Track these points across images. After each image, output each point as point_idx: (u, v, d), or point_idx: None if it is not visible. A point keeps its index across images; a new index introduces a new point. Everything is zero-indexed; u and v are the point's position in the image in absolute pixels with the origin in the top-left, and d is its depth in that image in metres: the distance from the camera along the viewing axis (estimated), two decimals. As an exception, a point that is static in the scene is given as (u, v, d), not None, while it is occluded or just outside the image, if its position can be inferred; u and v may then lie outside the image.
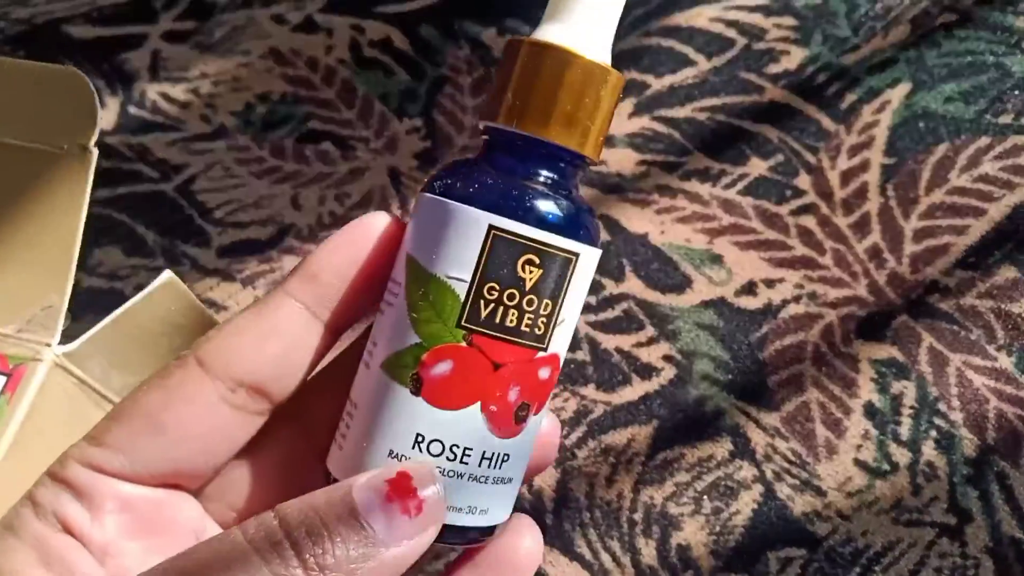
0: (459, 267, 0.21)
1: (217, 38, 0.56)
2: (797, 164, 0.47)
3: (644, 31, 0.52)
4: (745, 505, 0.39)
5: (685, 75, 0.51)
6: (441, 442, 0.21)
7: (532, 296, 0.21)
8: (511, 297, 0.21)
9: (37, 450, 0.36)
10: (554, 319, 0.21)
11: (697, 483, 0.40)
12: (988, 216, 0.44)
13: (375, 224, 0.22)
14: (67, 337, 0.37)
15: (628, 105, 0.50)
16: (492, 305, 0.21)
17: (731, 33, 0.52)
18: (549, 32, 0.22)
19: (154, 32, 0.56)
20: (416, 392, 0.21)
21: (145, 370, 0.41)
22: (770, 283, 0.44)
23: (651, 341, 0.43)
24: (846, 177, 0.47)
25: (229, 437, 0.21)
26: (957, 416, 0.40)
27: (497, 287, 0.21)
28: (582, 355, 0.43)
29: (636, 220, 0.47)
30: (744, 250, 0.45)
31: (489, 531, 0.22)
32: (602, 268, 0.45)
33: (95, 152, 0.35)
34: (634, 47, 0.52)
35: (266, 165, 0.50)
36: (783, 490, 0.39)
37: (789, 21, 0.52)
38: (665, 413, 0.42)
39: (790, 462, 0.40)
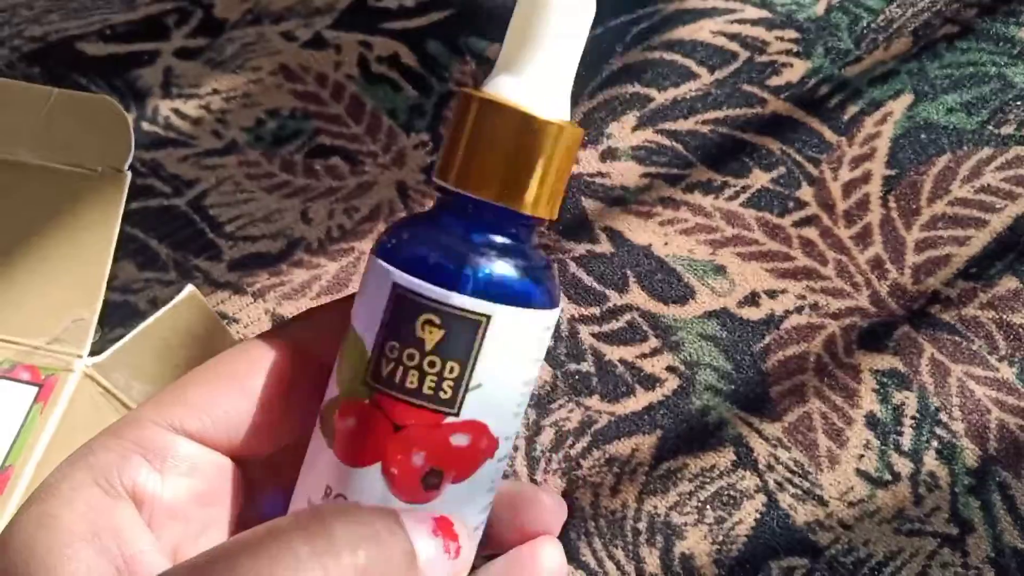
0: (368, 322, 0.21)
1: (228, 55, 0.57)
2: (799, 176, 0.48)
3: (647, 45, 0.53)
4: (748, 515, 0.40)
5: (688, 88, 0.51)
6: (344, 497, 0.20)
7: (433, 357, 0.20)
8: (411, 357, 0.20)
9: (67, 459, 0.37)
10: (464, 383, 0.20)
11: (700, 493, 0.40)
12: (990, 227, 0.45)
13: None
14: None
15: (631, 118, 0.51)
16: (392, 364, 0.20)
17: (733, 46, 0.52)
18: (502, 85, 0.20)
19: (166, 49, 0.57)
20: (330, 444, 0.21)
21: (163, 380, 0.42)
22: (772, 294, 0.45)
23: (655, 352, 0.44)
24: (848, 188, 0.47)
25: (304, 411, 0.22)
26: (959, 426, 0.40)
27: (397, 345, 0.20)
28: (587, 366, 0.44)
29: (640, 232, 0.47)
30: (747, 261, 0.46)
31: None
32: (606, 280, 0.46)
33: (128, 174, 0.36)
34: (637, 61, 0.53)
35: (276, 180, 0.51)
36: (785, 500, 0.40)
37: (791, 34, 0.52)
38: (669, 423, 0.42)
39: (792, 472, 0.40)
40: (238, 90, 0.55)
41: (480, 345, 0.20)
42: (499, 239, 0.21)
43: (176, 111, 0.55)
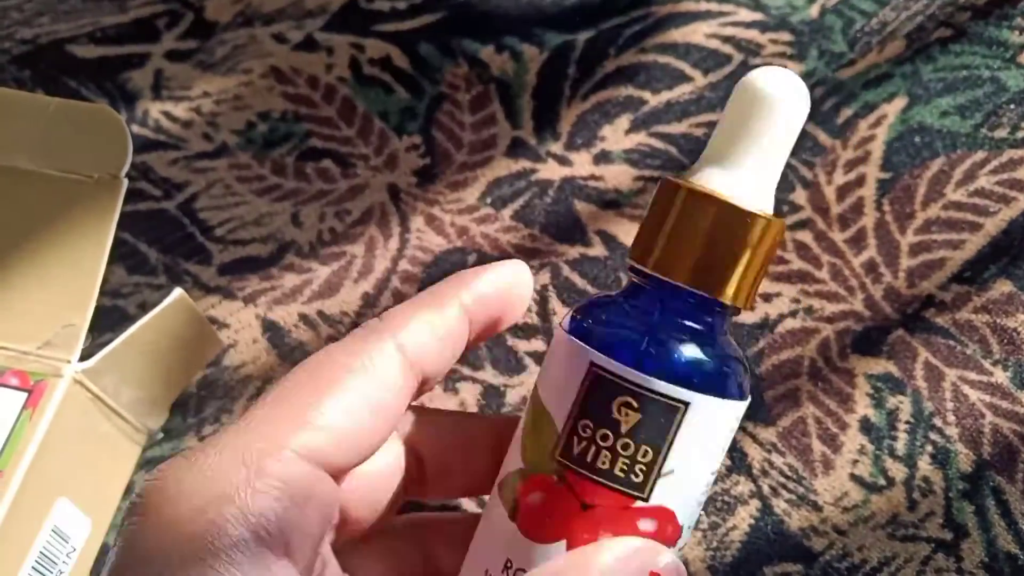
0: (560, 399, 0.21)
1: (218, 57, 0.56)
2: (793, 179, 0.47)
3: (640, 48, 0.53)
4: (742, 520, 0.39)
5: (682, 91, 0.51)
6: (524, 572, 0.20)
7: (627, 440, 0.20)
8: (604, 438, 0.20)
9: (56, 465, 0.37)
10: (656, 468, 0.20)
11: (694, 498, 0.40)
12: (984, 230, 0.45)
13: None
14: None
15: (625, 121, 0.50)
16: (585, 443, 0.20)
17: (727, 49, 0.52)
18: (712, 177, 0.20)
19: (156, 51, 0.57)
20: (512, 517, 0.21)
21: (151, 384, 0.42)
22: (767, 298, 0.45)
23: (648, 356, 0.44)
24: (842, 192, 0.47)
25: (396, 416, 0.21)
26: (953, 431, 0.40)
27: (591, 425, 0.20)
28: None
29: (633, 235, 0.47)
30: (741, 265, 0.46)
31: None
32: (600, 283, 0.46)
33: (125, 181, 0.37)
34: (630, 63, 0.52)
35: (267, 183, 0.51)
36: (780, 505, 0.39)
37: (785, 36, 0.52)
38: (662, 428, 0.42)
39: (787, 477, 0.40)
40: (229, 92, 0.55)
41: (676, 432, 0.20)
42: (697, 327, 0.21)
43: (166, 114, 0.54)
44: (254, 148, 0.52)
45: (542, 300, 0.45)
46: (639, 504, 0.20)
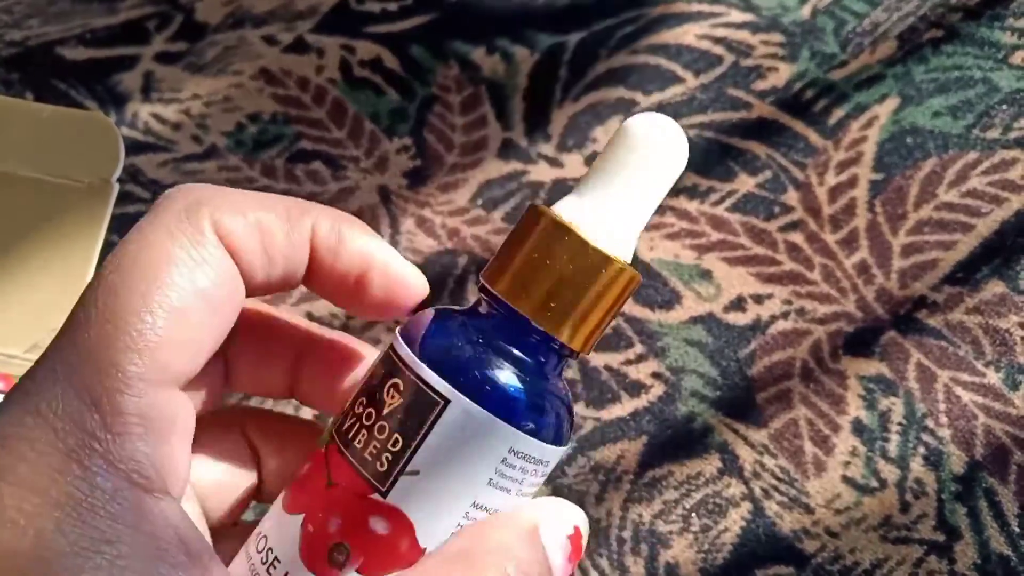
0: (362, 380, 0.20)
1: (209, 59, 0.56)
2: (785, 180, 0.47)
3: (632, 49, 0.53)
4: (734, 522, 0.39)
5: (673, 92, 0.51)
6: (266, 538, 0.19)
7: (384, 423, 0.18)
8: (368, 416, 0.19)
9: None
10: (401, 462, 0.18)
11: (686, 500, 0.40)
12: (976, 231, 0.44)
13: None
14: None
15: (616, 123, 0.50)
16: (353, 419, 0.19)
17: (719, 50, 0.52)
18: (574, 208, 0.19)
19: (146, 53, 0.57)
20: (287, 490, 0.20)
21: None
22: (759, 299, 0.44)
23: (640, 358, 0.43)
24: (834, 193, 0.47)
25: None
26: (945, 432, 0.40)
27: (364, 402, 0.19)
28: (571, 373, 0.43)
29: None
30: (733, 266, 0.45)
31: None
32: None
33: (116, 186, 0.37)
34: (622, 65, 0.52)
35: (257, 185, 0.51)
36: (771, 507, 0.39)
37: (777, 38, 0.52)
38: (654, 429, 0.42)
39: (778, 479, 0.40)
40: (219, 94, 0.54)
41: (430, 429, 0.18)
42: (518, 352, 0.19)
43: (156, 116, 0.54)
44: (244, 150, 0.52)
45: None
46: (375, 497, 0.18)
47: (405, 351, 0.19)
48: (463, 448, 0.18)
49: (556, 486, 0.41)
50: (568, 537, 0.19)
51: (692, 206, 0.47)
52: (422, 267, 0.49)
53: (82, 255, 0.38)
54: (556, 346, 0.19)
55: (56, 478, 0.15)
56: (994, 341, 0.41)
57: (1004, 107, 0.48)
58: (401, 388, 0.18)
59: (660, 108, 0.51)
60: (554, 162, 0.50)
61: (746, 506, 0.39)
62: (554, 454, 0.19)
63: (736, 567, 0.38)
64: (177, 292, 0.17)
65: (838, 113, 0.49)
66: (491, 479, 0.19)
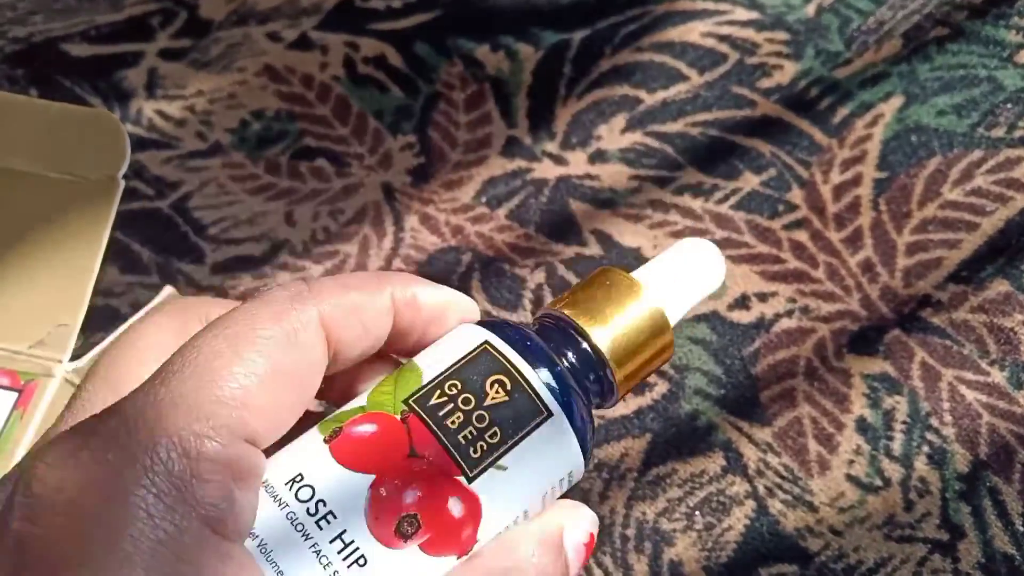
0: (435, 361, 0.21)
1: (213, 56, 0.56)
2: (789, 178, 0.47)
3: (636, 46, 0.53)
4: (737, 521, 0.39)
5: (678, 90, 0.51)
6: (313, 489, 0.19)
7: (485, 413, 0.19)
8: (466, 401, 0.20)
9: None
10: (494, 454, 0.19)
11: (689, 499, 0.40)
12: (981, 230, 0.44)
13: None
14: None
15: (621, 120, 0.50)
16: (445, 399, 0.20)
17: (723, 48, 0.52)
18: (640, 275, 0.23)
19: (151, 50, 0.57)
20: (327, 440, 0.20)
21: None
22: (763, 297, 0.44)
23: (643, 356, 0.43)
24: (838, 191, 0.47)
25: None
26: (949, 431, 0.40)
27: (458, 385, 0.20)
28: (575, 370, 0.44)
29: (629, 234, 0.47)
30: (737, 264, 0.45)
31: None
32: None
33: (122, 183, 0.37)
34: (627, 62, 0.52)
35: (260, 182, 0.51)
36: (775, 505, 0.39)
37: (781, 35, 0.52)
38: (658, 427, 0.42)
39: (782, 477, 0.40)
40: (223, 91, 0.54)
41: (528, 432, 0.19)
42: (590, 387, 0.22)
43: (160, 112, 0.54)
44: (248, 147, 0.52)
45: (537, 300, 0.45)
46: (461, 480, 0.19)
47: (512, 354, 0.20)
48: (545, 459, 0.20)
49: (560, 484, 0.41)
50: (584, 544, 0.20)
51: (696, 204, 0.47)
52: (426, 264, 0.49)
53: (87, 251, 0.38)
54: (612, 396, 0.22)
55: (143, 518, 0.16)
56: (999, 340, 0.41)
57: (1009, 105, 0.47)
58: (508, 387, 0.20)
59: (664, 105, 0.50)
60: (558, 159, 0.50)
61: (750, 504, 0.39)
62: (578, 475, 0.21)
63: (740, 565, 0.38)
64: (273, 370, 0.19)
65: (843, 111, 0.49)
66: (545, 494, 0.20)
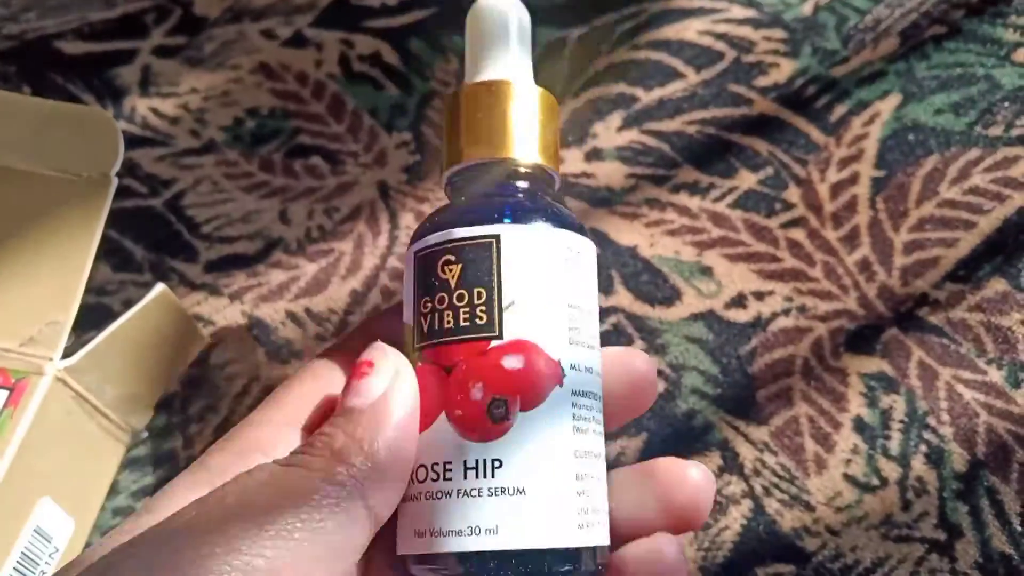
0: (408, 304, 0.22)
1: (207, 53, 0.56)
2: (786, 177, 0.47)
3: (632, 44, 0.52)
4: (734, 520, 0.39)
5: (674, 88, 0.51)
6: (424, 466, 0.20)
7: (460, 291, 0.21)
8: (441, 301, 0.21)
9: (39, 464, 0.36)
10: (495, 304, 0.20)
11: (685, 499, 0.40)
12: (978, 229, 0.44)
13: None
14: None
15: (617, 119, 0.50)
16: (429, 316, 0.21)
17: (720, 46, 0.52)
18: (477, 76, 0.24)
19: (145, 47, 0.56)
20: None
21: (135, 382, 0.41)
22: (760, 295, 0.44)
23: (640, 355, 0.43)
24: (835, 190, 0.46)
25: None
26: (947, 430, 0.40)
27: (428, 298, 0.21)
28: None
29: (625, 233, 0.47)
30: (733, 262, 0.45)
31: (515, 556, 0.19)
32: (591, 282, 0.45)
33: (115, 180, 0.37)
34: (623, 60, 0.52)
35: (255, 180, 0.50)
36: (772, 505, 0.39)
37: (779, 34, 0.52)
38: (654, 426, 0.41)
39: (779, 477, 0.40)
40: (217, 88, 0.54)
41: (498, 264, 0.21)
42: (499, 191, 0.23)
43: (154, 110, 0.54)
44: (242, 145, 0.52)
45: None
46: (496, 343, 0.20)
47: (428, 239, 0.21)
48: (532, 265, 0.21)
49: (555, 483, 0.41)
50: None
51: (693, 203, 0.47)
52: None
53: (80, 249, 0.38)
54: (526, 169, 0.23)
55: None
56: (996, 339, 0.41)
57: (1006, 104, 0.47)
58: (453, 259, 0.21)
59: (661, 103, 0.50)
60: (554, 158, 0.49)
61: (747, 504, 0.39)
62: (579, 240, 0.22)
63: (736, 565, 0.38)
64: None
65: (840, 110, 0.49)
66: (568, 280, 0.21)
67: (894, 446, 0.40)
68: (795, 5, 0.52)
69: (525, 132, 0.22)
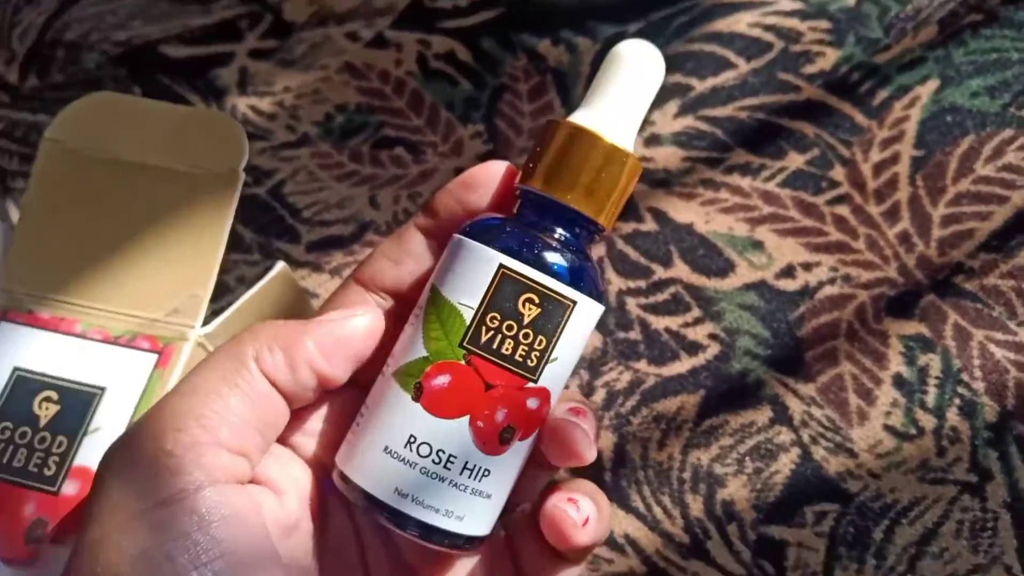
0: (469, 296, 0.24)
1: (297, 55, 0.61)
2: (832, 157, 0.51)
3: (688, 37, 0.57)
4: (784, 466, 0.43)
5: (726, 77, 0.55)
6: (430, 445, 0.24)
7: (528, 330, 0.24)
8: (509, 328, 0.24)
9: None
10: (547, 355, 0.24)
11: (740, 446, 0.44)
12: (1011, 203, 0.48)
13: (487, 172, 0.26)
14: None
15: (673, 106, 0.54)
16: (492, 332, 0.24)
17: (769, 37, 0.56)
18: (581, 116, 0.25)
19: (241, 50, 0.62)
20: (416, 398, 0.24)
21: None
22: (807, 267, 0.48)
23: (697, 321, 0.48)
24: (878, 169, 0.50)
25: (375, 339, 0.26)
26: (979, 385, 0.44)
27: (499, 317, 0.24)
28: (634, 335, 0.48)
29: (682, 211, 0.51)
30: (783, 237, 0.49)
31: (466, 541, 0.25)
32: (652, 255, 0.50)
33: (242, 174, 0.42)
34: (679, 52, 0.56)
35: (346, 169, 0.56)
36: (818, 452, 0.44)
37: (824, 24, 0.55)
38: (711, 384, 0.46)
39: (825, 427, 0.44)
40: (308, 87, 0.60)
41: (565, 325, 0.24)
42: (579, 241, 0.25)
43: (252, 107, 0.59)
44: (333, 138, 0.57)
45: (600, 271, 0.50)
46: (530, 385, 0.24)
47: (524, 268, 0.24)
48: (582, 332, 0.25)
49: (623, 433, 0.46)
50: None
51: (745, 182, 0.51)
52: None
53: (215, 232, 0.43)
54: (590, 225, 0.25)
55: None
56: (1026, 303, 0.45)
57: (1040, 86, 0.51)
58: (537, 301, 0.24)
59: (714, 91, 0.55)
60: (616, 144, 0.54)
61: (795, 451, 0.44)
62: (602, 311, 0.26)
63: (786, 503, 0.42)
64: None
65: (882, 94, 0.52)
66: (585, 344, 0.25)
67: (930, 399, 0.44)
68: (839, -3, 0.56)
69: (613, 199, 0.25)
